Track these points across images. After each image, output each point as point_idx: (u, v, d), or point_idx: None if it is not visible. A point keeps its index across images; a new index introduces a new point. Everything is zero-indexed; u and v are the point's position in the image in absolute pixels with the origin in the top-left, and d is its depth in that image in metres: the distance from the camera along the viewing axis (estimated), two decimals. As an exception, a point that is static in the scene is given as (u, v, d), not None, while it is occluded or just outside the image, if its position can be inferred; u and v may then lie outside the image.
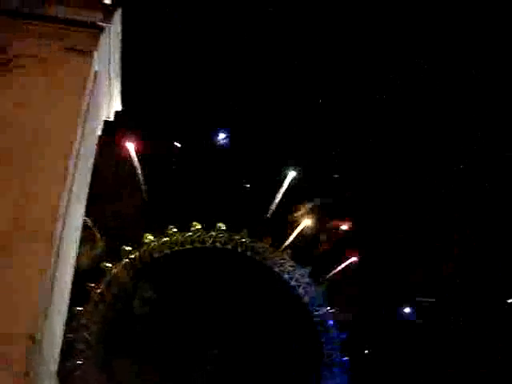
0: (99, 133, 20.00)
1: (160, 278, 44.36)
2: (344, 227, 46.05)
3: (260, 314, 43.04)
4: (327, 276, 46.65)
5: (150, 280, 44.30)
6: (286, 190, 45.89)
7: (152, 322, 42.03)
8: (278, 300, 44.62)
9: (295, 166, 45.39)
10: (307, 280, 47.32)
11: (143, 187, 43.40)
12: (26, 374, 11.70)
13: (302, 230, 46.29)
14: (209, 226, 47.27)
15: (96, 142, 19.30)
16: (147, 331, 41.57)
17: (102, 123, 20.23)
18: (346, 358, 45.12)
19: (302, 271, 47.24)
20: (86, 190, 17.99)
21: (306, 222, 46.06)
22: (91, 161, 18.41)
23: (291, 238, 46.80)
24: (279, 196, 46.02)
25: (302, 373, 43.14)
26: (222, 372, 43.12)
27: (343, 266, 46.12)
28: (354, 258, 46.07)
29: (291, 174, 45.69)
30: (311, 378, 44.56)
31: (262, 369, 42.04)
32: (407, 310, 46.16)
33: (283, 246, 47.10)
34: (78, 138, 14.66)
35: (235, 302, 43.31)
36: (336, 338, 45.87)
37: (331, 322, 46.36)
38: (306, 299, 47.22)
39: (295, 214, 45.99)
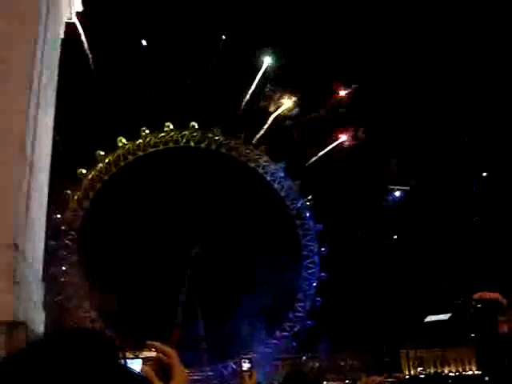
0: (62, 35, 19.28)
1: (135, 180, 44.20)
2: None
3: (238, 209, 43.36)
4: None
5: (126, 183, 44.17)
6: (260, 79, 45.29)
7: (131, 225, 42.23)
8: (255, 195, 44.85)
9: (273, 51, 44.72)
10: (282, 174, 47.50)
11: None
12: (15, 281, 11.79)
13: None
14: (182, 126, 46.81)
15: (59, 43, 18.62)
16: (126, 234, 41.81)
17: (63, 25, 19.47)
18: (324, 249, 46.08)
19: (277, 166, 47.38)
20: (54, 96, 17.49)
21: (287, 105, 45.60)
22: (56, 62, 17.77)
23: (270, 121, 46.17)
24: (253, 86, 45.30)
25: (283, 265, 44.04)
26: (203, 271, 43.98)
27: (332, 146, 46.00)
28: (343, 137, 45.96)
29: (267, 61, 45.16)
30: (293, 270, 45.67)
31: (244, 265, 42.78)
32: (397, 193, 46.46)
33: (262, 130, 46.60)
34: (41, 35, 14.06)
35: (212, 200, 43.51)
36: (313, 230, 46.65)
37: (308, 214, 46.99)
38: (283, 193, 47.65)
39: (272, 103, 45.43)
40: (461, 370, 39.62)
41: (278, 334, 44.97)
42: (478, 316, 3.15)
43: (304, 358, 45.04)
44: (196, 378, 40.37)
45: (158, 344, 2.42)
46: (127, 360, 2.37)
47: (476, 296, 3.17)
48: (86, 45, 39.08)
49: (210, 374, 42.38)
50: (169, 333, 40.47)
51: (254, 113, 45.43)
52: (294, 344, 45.08)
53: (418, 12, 40.08)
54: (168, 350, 2.40)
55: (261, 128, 46.45)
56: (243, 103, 45.51)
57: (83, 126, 40.00)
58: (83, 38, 38.19)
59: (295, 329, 45.03)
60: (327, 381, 40.05)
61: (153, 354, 2.41)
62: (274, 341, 44.76)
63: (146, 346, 2.50)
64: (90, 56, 40.23)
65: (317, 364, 44.64)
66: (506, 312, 3.12)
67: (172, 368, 2.36)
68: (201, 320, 44.58)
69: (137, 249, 41.69)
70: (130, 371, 2.18)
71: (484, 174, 42.52)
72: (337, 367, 44.51)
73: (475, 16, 37.37)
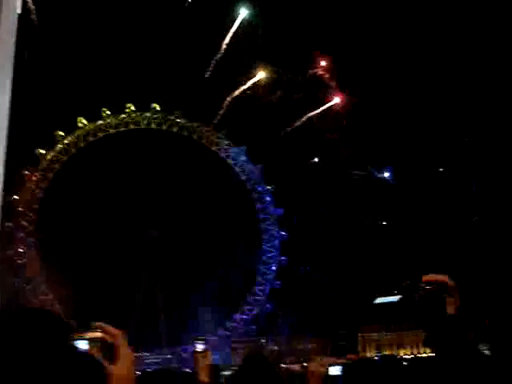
0: (19, 10, 18.75)
1: (95, 162, 43.65)
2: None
3: (199, 193, 43.20)
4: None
5: (86, 164, 43.63)
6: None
7: (90, 207, 41.76)
8: (217, 179, 44.74)
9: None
10: (243, 158, 47.50)
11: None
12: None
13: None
14: (143, 108, 46.36)
15: (16, 19, 18.08)
16: (85, 216, 41.37)
17: None
18: (284, 233, 46.34)
19: (239, 149, 47.33)
20: (11, 75, 17.01)
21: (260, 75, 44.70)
22: (12, 39, 17.24)
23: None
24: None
25: (243, 249, 44.20)
26: (163, 254, 43.83)
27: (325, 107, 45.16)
28: (336, 100, 45.01)
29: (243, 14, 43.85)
30: (253, 254, 45.89)
31: (204, 249, 42.69)
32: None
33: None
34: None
35: (174, 183, 43.26)
36: (273, 214, 46.84)
37: (268, 198, 47.12)
38: (244, 177, 47.65)
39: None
40: (416, 352, 40.32)
41: (237, 317, 45.25)
42: (426, 298, 3.20)
43: (263, 341, 45.30)
44: (155, 361, 40.40)
45: (103, 325, 2.41)
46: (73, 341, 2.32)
47: (425, 278, 3.22)
48: (35, 18, 37.82)
49: (170, 356, 42.42)
50: (126, 315, 40.48)
51: (218, 86, 44.05)
52: (254, 327, 45.40)
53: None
54: (114, 330, 2.38)
55: (224, 106, 45.40)
56: (209, 71, 43.68)
57: (43, 106, 39.24)
58: (34, 15, 37.06)
59: (254, 312, 45.39)
60: (285, 364, 40.41)
61: (99, 334, 2.40)
62: (234, 324, 45.05)
63: (92, 326, 2.47)
64: (39, 33, 39.07)
65: (275, 347, 44.96)
66: (454, 294, 3.18)
67: (117, 348, 2.36)
68: (160, 304, 44.50)
69: (96, 231, 41.30)
70: (78, 351, 2.15)
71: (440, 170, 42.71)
72: (295, 350, 44.92)
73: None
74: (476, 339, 3.21)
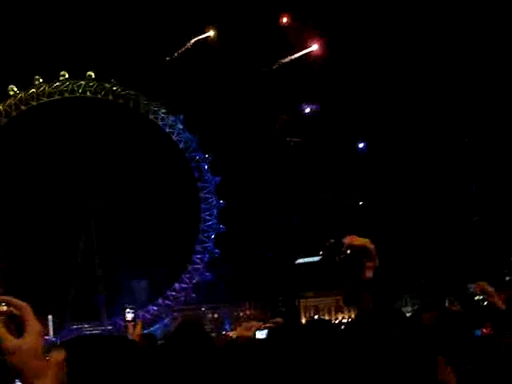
0: None
1: (29, 131, 42.63)
2: None
3: (137, 162, 42.93)
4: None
5: (19, 135, 42.58)
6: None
7: (25, 178, 40.94)
8: (154, 148, 44.46)
9: None
10: (181, 126, 47.22)
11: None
12: None
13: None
14: (78, 75, 45.29)
15: None
16: (21, 188, 40.54)
17: None
18: (222, 202, 46.45)
19: (176, 118, 46.99)
20: None
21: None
22: None
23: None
24: None
25: (181, 217, 44.25)
26: (102, 224, 43.50)
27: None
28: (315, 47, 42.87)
29: None
30: (191, 222, 45.96)
31: (141, 218, 42.52)
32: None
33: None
34: None
35: (111, 152, 42.80)
36: (211, 182, 46.83)
37: (206, 167, 47.02)
38: (182, 146, 47.42)
39: None
40: (353, 316, 41.23)
41: (177, 286, 45.44)
42: (346, 260, 3.22)
43: (204, 309, 45.66)
44: (95, 331, 40.39)
45: (8, 298, 2.35)
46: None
47: (346, 241, 3.23)
48: None
49: (109, 327, 42.40)
50: (65, 286, 40.23)
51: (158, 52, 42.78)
52: (194, 296, 45.68)
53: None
54: (20, 303, 2.33)
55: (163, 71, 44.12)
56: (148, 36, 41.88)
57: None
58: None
59: (194, 280, 45.65)
60: (226, 331, 40.99)
61: (3, 308, 2.33)
62: (173, 293, 45.21)
63: None
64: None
65: (216, 315, 45.40)
66: (373, 258, 3.20)
67: (24, 321, 2.30)
68: (99, 274, 44.31)
69: (33, 204, 40.59)
70: None
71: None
72: (236, 318, 45.51)
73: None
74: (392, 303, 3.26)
